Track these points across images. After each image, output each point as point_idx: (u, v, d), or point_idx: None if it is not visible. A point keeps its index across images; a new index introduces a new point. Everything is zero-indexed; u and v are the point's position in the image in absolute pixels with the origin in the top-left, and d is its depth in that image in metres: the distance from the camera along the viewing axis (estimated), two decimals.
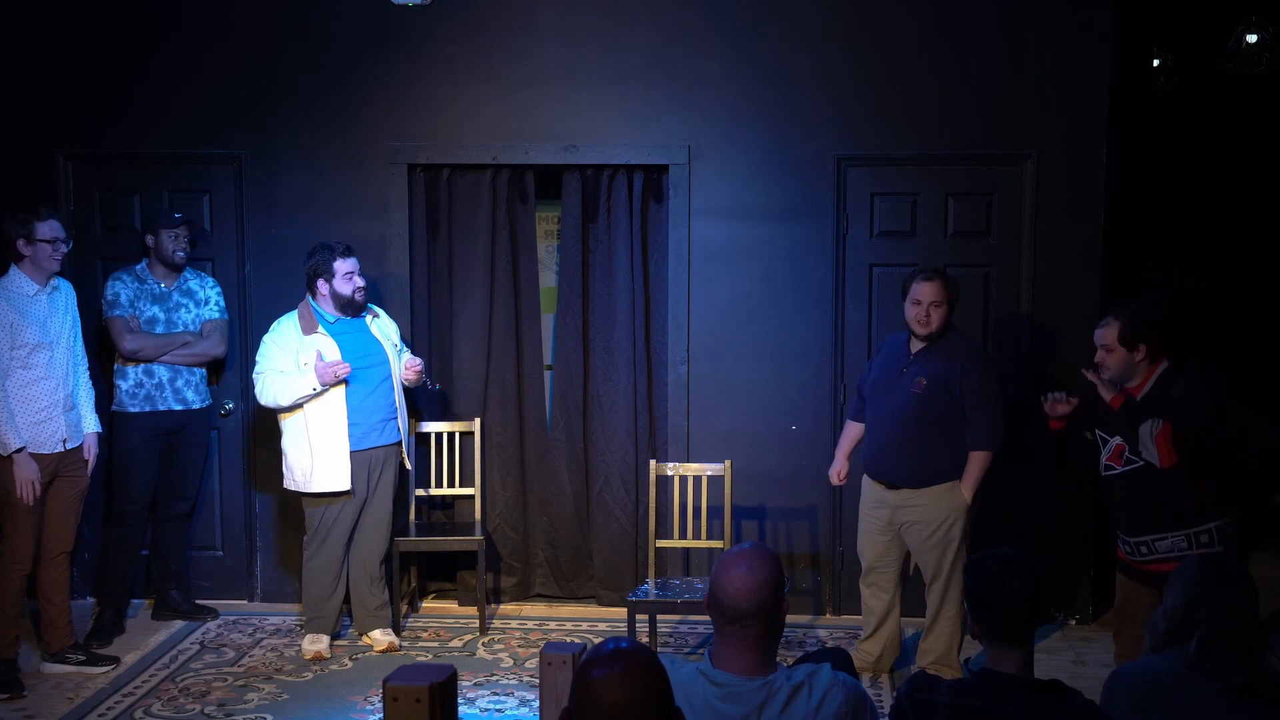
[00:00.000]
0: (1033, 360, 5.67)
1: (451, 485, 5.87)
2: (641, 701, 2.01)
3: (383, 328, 5.44)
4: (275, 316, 5.82)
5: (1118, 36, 5.63)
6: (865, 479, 5.05)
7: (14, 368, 4.82)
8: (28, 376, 4.85)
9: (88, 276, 5.76)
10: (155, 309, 5.53)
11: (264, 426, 5.92)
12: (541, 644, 4.20)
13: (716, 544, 5.40)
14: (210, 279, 5.75)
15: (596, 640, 5.29)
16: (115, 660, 5.17)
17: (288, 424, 5.29)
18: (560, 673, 2.71)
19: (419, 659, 5.25)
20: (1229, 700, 2.69)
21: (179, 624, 5.69)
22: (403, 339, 5.60)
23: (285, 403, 5.20)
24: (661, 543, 5.44)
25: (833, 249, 5.72)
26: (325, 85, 5.80)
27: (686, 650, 5.46)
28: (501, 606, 6.01)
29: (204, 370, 5.68)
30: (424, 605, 5.99)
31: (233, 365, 5.92)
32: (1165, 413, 4.16)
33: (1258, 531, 5.94)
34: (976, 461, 4.81)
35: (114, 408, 5.52)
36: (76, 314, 5.11)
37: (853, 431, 5.20)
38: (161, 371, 5.51)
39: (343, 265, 5.26)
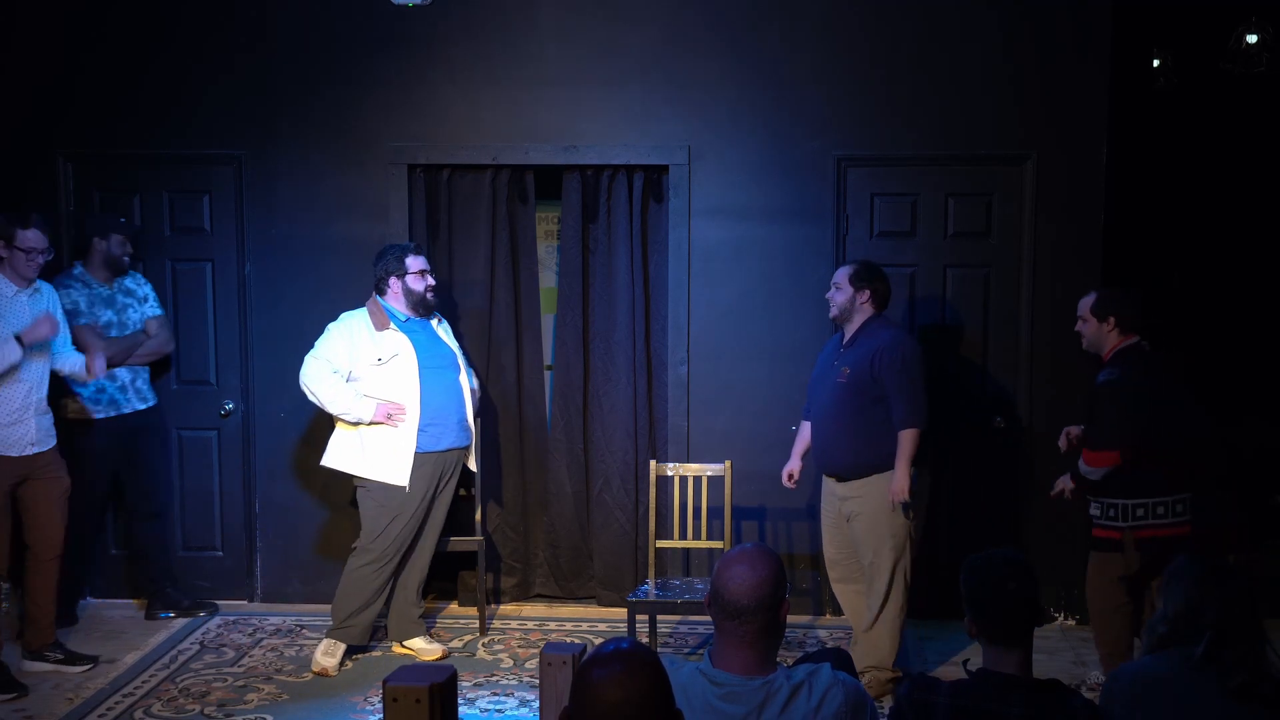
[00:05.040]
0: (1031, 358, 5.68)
1: None
2: (641, 702, 2.01)
3: (448, 332, 5.40)
4: (275, 317, 5.83)
5: (1117, 36, 5.63)
6: (824, 475, 5.08)
7: None
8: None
9: None
10: (109, 313, 5.52)
11: (264, 426, 5.92)
12: (541, 644, 4.20)
13: (716, 544, 5.40)
14: (139, 274, 5.72)
15: (596, 641, 5.31)
16: (93, 659, 5.14)
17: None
18: (560, 673, 2.71)
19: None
20: (1228, 700, 2.70)
21: (179, 623, 5.68)
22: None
23: (324, 405, 5.10)
24: (661, 543, 5.44)
25: (833, 249, 5.72)
26: (325, 86, 5.80)
27: (686, 650, 5.46)
28: (501, 607, 6.01)
29: (148, 368, 5.69)
30: (424, 605, 5.98)
31: (232, 366, 5.92)
32: (1091, 391, 4.53)
33: (1258, 531, 5.94)
34: (903, 440, 4.79)
35: (71, 415, 5.39)
36: (59, 316, 5.06)
37: (806, 431, 5.22)
38: (122, 373, 5.52)
39: (414, 262, 5.19)
